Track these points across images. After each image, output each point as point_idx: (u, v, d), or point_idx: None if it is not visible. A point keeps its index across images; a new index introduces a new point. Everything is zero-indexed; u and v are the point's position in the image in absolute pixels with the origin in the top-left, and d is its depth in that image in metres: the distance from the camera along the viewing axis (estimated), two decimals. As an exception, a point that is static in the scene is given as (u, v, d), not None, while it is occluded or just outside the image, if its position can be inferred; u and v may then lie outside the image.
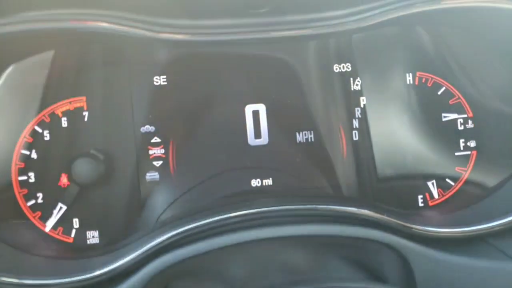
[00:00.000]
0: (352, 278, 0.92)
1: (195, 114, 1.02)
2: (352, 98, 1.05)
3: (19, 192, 0.98)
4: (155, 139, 1.01)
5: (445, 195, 1.08)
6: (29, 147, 0.98)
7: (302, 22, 0.94)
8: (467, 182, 1.07)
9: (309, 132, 1.04)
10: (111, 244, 0.98)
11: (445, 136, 1.07)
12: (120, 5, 0.85)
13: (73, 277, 0.84)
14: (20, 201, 0.98)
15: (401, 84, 1.07)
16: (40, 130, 0.99)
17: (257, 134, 1.03)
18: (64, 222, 0.99)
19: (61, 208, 0.97)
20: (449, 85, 1.08)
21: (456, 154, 1.08)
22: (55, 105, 0.99)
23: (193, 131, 1.02)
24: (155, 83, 1.00)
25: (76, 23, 0.83)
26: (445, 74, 1.08)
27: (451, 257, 0.90)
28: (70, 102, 0.99)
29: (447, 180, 1.08)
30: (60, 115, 0.99)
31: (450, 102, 1.08)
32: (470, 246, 0.93)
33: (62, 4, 0.82)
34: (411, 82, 1.07)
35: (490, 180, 1.06)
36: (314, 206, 0.92)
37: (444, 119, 1.08)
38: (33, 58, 0.94)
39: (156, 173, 1.01)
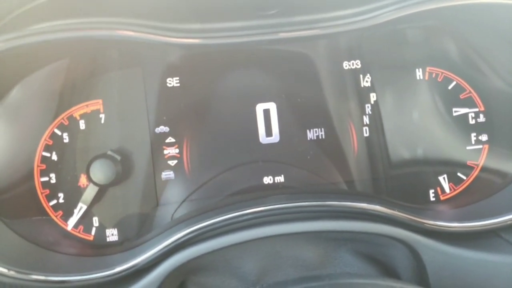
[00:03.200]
0: (364, 274, 0.93)
1: (208, 114, 1.04)
2: (362, 95, 1.06)
3: (41, 193, 1.02)
4: (170, 139, 1.03)
5: (457, 189, 1.08)
6: (50, 149, 1.02)
7: (311, 23, 0.94)
8: (478, 176, 1.07)
9: (319, 129, 1.05)
10: (130, 242, 1.01)
11: (456, 131, 1.07)
12: (134, 13, 0.87)
13: (95, 273, 0.87)
14: (43, 201, 1.01)
15: (411, 80, 1.07)
16: (59, 133, 1.02)
17: (268, 132, 1.04)
18: (84, 220, 1.02)
19: (81, 207, 1.00)
20: (460, 79, 1.08)
21: (468, 148, 1.08)
22: (73, 108, 1.02)
23: (206, 131, 1.04)
24: (168, 84, 1.03)
25: (93, 32, 0.86)
26: (455, 68, 1.07)
27: (463, 251, 0.90)
28: (87, 105, 1.02)
29: (459, 174, 1.08)
30: (78, 118, 1.02)
31: (461, 96, 1.08)
32: (482, 240, 0.93)
33: (79, 14, 0.85)
34: (421, 77, 1.07)
35: (502, 174, 1.05)
36: (325, 202, 0.92)
37: (455, 114, 1.08)
38: (52, 66, 0.97)
39: (171, 172, 1.04)
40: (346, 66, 1.05)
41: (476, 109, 1.08)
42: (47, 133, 1.02)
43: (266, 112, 1.04)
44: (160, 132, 1.03)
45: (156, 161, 1.03)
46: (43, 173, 1.02)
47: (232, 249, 0.90)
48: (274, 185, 1.05)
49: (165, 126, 1.03)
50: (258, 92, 1.04)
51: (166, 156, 1.03)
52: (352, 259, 0.96)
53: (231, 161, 1.04)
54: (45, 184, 1.02)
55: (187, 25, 0.92)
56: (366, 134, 1.06)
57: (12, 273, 0.84)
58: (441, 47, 1.07)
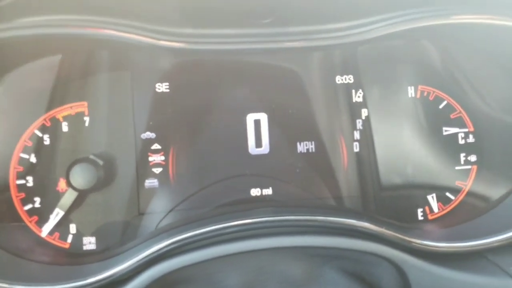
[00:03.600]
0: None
1: (196, 121, 1.02)
2: (353, 110, 1.05)
3: (16, 196, 0.97)
4: (156, 146, 1.01)
5: (445, 209, 1.07)
6: (28, 151, 0.98)
7: (305, 34, 0.94)
8: (467, 196, 1.07)
9: (310, 142, 1.04)
10: (108, 251, 0.97)
11: (445, 150, 1.07)
12: (126, 13, 0.85)
13: (67, 283, 0.83)
14: (17, 205, 0.97)
15: (403, 97, 1.07)
16: (40, 134, 0.98)
17: (258, 143, 1.03)
18: (60, 227, 0.98)
19: (58, 213, 0.96)
20: (451, 99, 1.08)
21: (457, 168, 1.08)
22: (56, 110, 0.99)
23: (193, 139, 1.02)
24: (157, 90, 1.01)
25: (82, 30, 0.84)
26: (447, 88, 1.08)
27: (449, 272, 0.89)
28: (71, 107, 0.99)
29: (447, 194, 1.08)
30: (61, 119, 0.99)
31: (452, 116, 1.08)
32: (469, 261, 0.93)
33: (69, 10, 0.82)
34: (413, 95, 1.07)
35: (490, 195, 1.06)
36: (313, 217, 0.91)
37: (445, 133, 1.08)
38: (36, 63, 0.94)
39: (156, 180, 1.01)
40: (338, 80, 1.05)
41: (466, 130, 1.08)
42: (26, 133, 0.98)
43: (257, 123, 1.03)
44: (146, 138, 1.00)
45: (140, 167, 1.00)
46: (20, 175, 0.97)
47: (215, 262, 0.88)
48: (262, 198, 1.03)
49: (151, 132, 1.00)
50: (249, 102, 1.03)
51: (151, 163, 1.01)
52: (338, 277, 0.94)
53: (219, 172, 1.02)
54: (21, 187, 0.97)
55: (179, 29, 0.90)
56: (356, 150, 1.05)
57: None
58: (432, 66, 1.08)
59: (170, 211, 1.01)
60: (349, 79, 1.05)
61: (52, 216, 0.97)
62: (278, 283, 0.92)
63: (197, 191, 1.02)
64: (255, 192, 1.03)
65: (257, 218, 0.90)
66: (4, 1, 0.72)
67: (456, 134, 1.08)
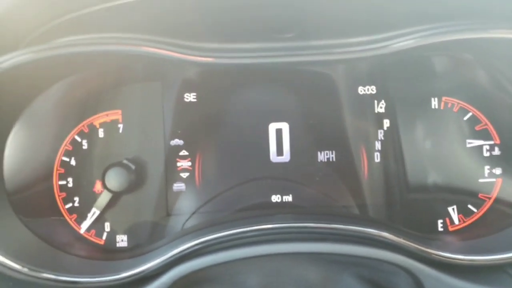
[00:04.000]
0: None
1: (221, 130, 1.06)
2: (375, 120, 1.06)
3: (58, 195, 1.06)
4: (183, 152, 1.06)
5: (466, 221, 1.06)
6: (69, 154, 1.06)
7: (327, 47, 0.96)
8: (489, 209, 1.06)
9: (330, 151, 1.06)
10: (138, 249, 1.04)
11: (469, 162, 1.06)
12: (157, 30, 0.90)
13: (103, 277, 0.90)
14: (60, 203, 1.06)
15: (426, 108, 1.06)
16: (79, 139, 1.06)
17: (279, 152, 1.06)
18: (96, 225, 1.06)
19: (94, 212, 1.04)
20: (476, 110, 1.06)
21: (480, 180, 1.06)
22: (93, 117, 1.06)
23: (218, 146, 1.07)
24: (185, 99, 1.06)
25: (120, 47, 0.90)
26: (472, 99, 1.06)
27: (467, 284, 0.89)
28: (107, 115, 1.07)
29: (469, 206, 1.07)
30: (98, 126, 1.07)
31: (476, 128, 1.07)
32: (488, 275, 0.92)
33: (108, 29, 0.89)
34: (436, 106, 1.06)
35: (513, 209, 1.04)
36: (331, 225, 0.93)
37: (469, 145, 1.06)
38: (77, 75, 1.01)
39: (183, 184, 1.07)
40: (361, 91, 1.06)
41: (492, 142, 1.06)
42: (68, 138, 1.06)
43: (279, 132, 1.06)
44: (174, 145, 1.06)
45: (169, 172, 1.06)
46: (62, 176, 1.06)
47: (236, 264, 0.92)
48: (282, 204, 1.06)
49: (179, 139, 1.06)
50: (271, 112, 1.06)
51: (178, 168, 1.06)
52: (355, 283, 0.95)
53: (241, 177, 1.06)
54: (63, 188, 1.06)
55: (205, 44, 0.95)
56: (377, 160, 1.06)
57: (25, 270, 0.88)
58: (459, 77, 1.07)
59: (194, 213, 1.06)
60: (371, 89, 1.06)
61: (89, 215, 1.05)
62: (295, 286, 0.95)
63: (220, 194, 1.07)
64: (275, 198, 1.06)
65: (278, 224, 0.93)
66: (50, 23, 0.80)
67: (480, 147, 1.06)
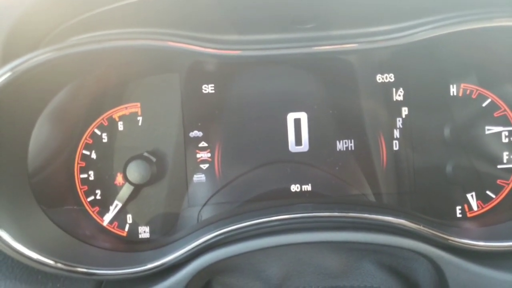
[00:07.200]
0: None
1: (240, 120, 1.07)
2: (394, 108, 1.06)
3: (80, 189, 1.07)
4: (202, 144, 1.07)
5: (485, 208, 1.07)
6: (90, 148, 1.07)
7: (348, 37, 0.95)
8: (508, 195, 1.06)
9: (349, 140, 1.06)
10: (160, 240, 1.06)
11: (488, 149, 1.06)
12: (176, 24, 0.90)
13: (128, 268, 0.92)
14: (82, 196, 1.07)
15: (445, 95, 1.06)
16: (99, 133, 1.07)
17: (298, 141, 1.06)
18: (119, 217, 1.07)
19: (117, 204, 1.05)
20: (495, 96, 1.06)
21: (499, 166, 1.06)
22: (113, 110, 1.07)
23: (237, 137, 1.07)
24: (203, 91, 1.06)
25: (138, 41, 0.90)
26: (491, 85, 1.06)
27: (487, 270, 0.90)
28: (126, 108, 1.07)
29: (488, 192, 1.07)
30: (117, 119, 1.07)
31: (495, 114, 1.07)
32: (508, 261, 0.92)
33: (123, 25, 0.89)
34: (455, 93, 1.06)
35: (533, 195, 1.04)
36: (351, 214, 0.93)
37: (487, 132, 1.06)
38: (96, 70, 1.01)
39: (203, 175, 1.07)
40: (379, 79, 1.06)
41: (510, 128, 1.06)
42: (88, 132, 1.07)
43: (297, 122, 1.06)
44: (194, 137, 1.07)
45: (189, 164, 1.07)
46: (83, 170, 1.07)
47: (257, 253, 0.93)
48: (301, 193, 1.07)
49: (199, 131, 1.06)
50: (290, 102, 1.06)
51: (198, 160, 1.07)
52: (374, 270, 0.97)
53: (260, 167, 1.06)
54: (84, 181, 1.07)
55: (225, 36, 0.94)
56: (396, 148, 1.06)
57: (59, 265, 0.89)
58: (477, 64, 1.06)
59: (208, 200, 1.07)
60: (390, 77, 1.06)
61: (111, 207, 1.06)
62: (316, 274, 0.97)
63: (240, 184, 1.07)
64: (294, 188, 1.07)
65: (298, 213, 0.93)
66: (72, 20, 0.79)
67: (499, 133, 1.06)
